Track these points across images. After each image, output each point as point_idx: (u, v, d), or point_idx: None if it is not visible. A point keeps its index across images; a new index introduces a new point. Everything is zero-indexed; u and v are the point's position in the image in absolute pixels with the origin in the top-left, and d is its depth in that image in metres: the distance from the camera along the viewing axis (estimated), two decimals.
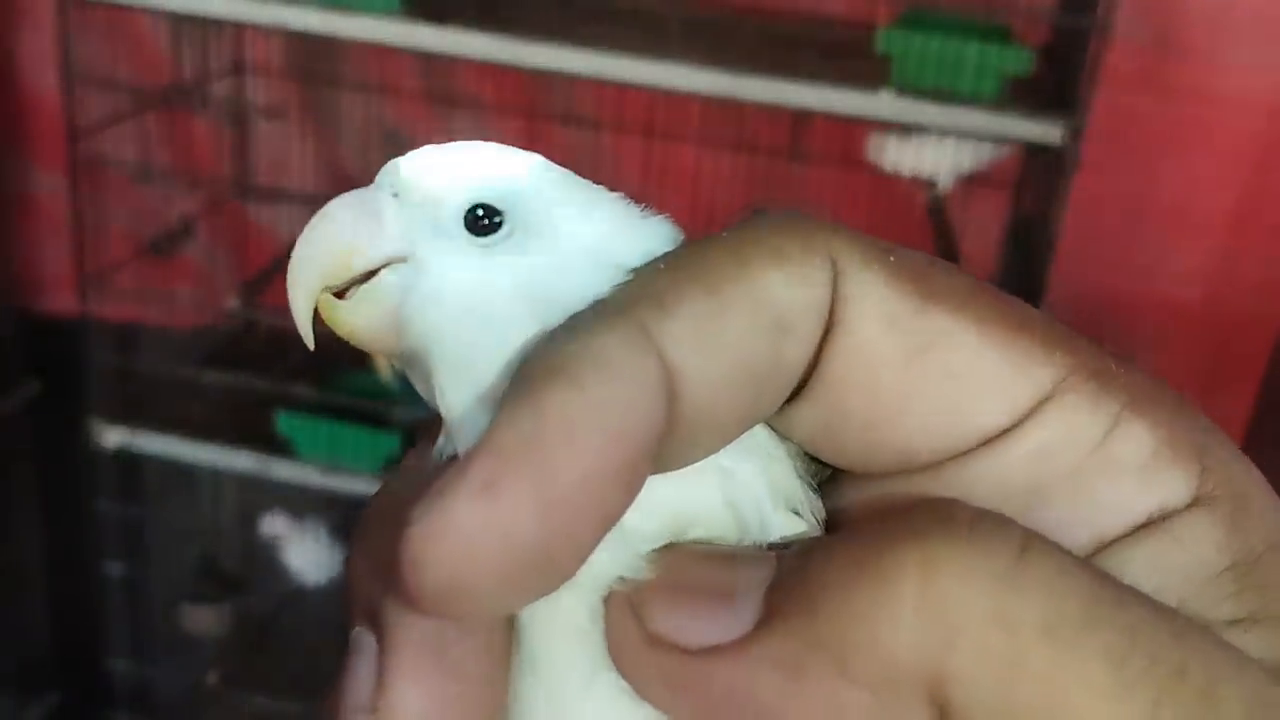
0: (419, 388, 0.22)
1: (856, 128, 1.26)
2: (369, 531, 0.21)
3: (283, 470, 1.36)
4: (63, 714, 1.60)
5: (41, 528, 1.57)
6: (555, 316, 0.20)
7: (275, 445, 1.35)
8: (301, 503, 1.49)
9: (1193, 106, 1.27)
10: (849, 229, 0.20)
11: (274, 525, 1.52)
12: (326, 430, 1.33)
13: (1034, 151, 1.25)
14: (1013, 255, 1.33)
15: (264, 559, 1.54)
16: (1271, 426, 1.30)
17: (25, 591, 1.57)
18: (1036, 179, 1.27)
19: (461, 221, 0.21)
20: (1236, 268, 1.32)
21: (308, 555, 1.51)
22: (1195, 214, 1.31)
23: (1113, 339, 1.35)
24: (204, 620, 1.53)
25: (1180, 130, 1.28)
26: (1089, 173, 1.18)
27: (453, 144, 0.22)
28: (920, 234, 1.31)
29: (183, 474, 1.46)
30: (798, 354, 0.20)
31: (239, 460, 1.37)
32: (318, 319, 0.22)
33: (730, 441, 0.20)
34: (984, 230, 1.32)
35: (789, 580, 0.19)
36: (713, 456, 0.20)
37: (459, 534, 0.17)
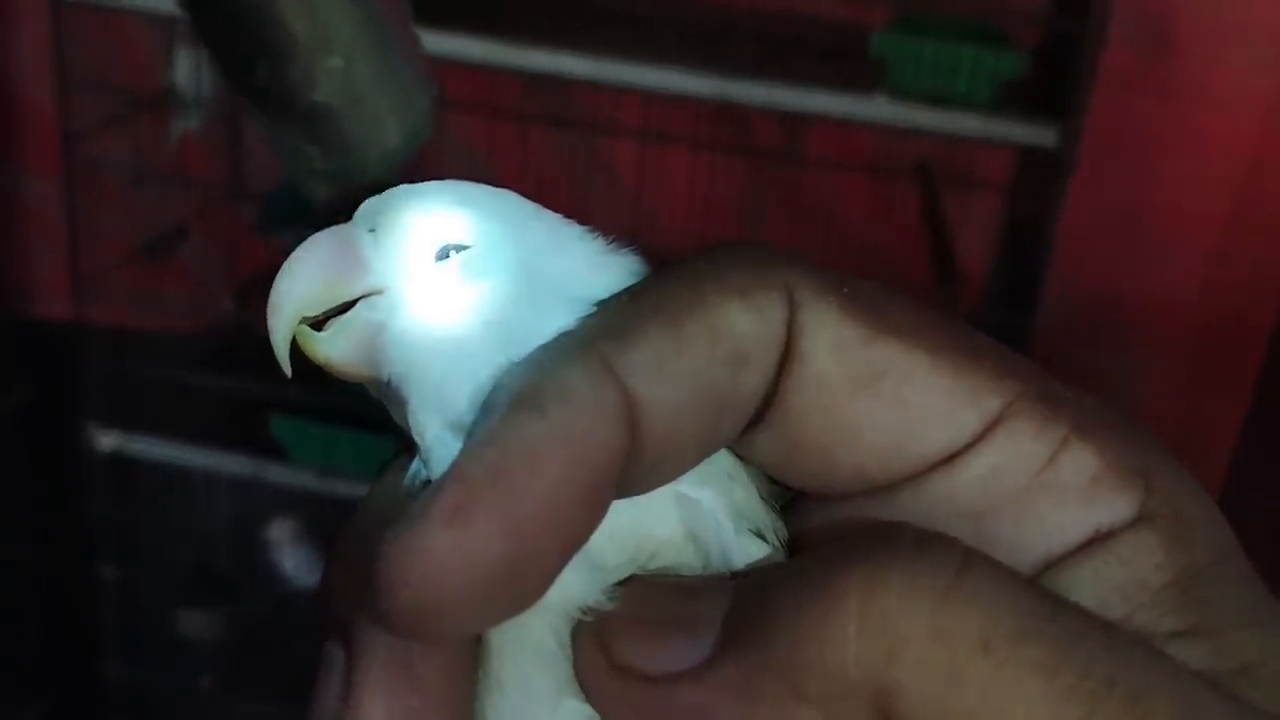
0: (394, 415, 0.23)
1: (852, 131, 1.26)
2: (345, 548, 0.22)
3: (277, 474, 1.37)
4: (56, 719, 1.59)
5: (35, 532, 1.56)
6: (523, 349, 0.20)
7: (270, 449, 1.35)
8: (296, 507, 1.49)
9: (1188, 108, 1.27)
10: (804, 261, 0.21)
11: (268, 529, 1.51)
12: (321, 434, 1.33)
13: (1029, 154, 1.25)
14: (1008, 258, 1.33)
15: (258, 563, 1.54)
16: (1266, 426, 1.31)
17: (19, 596, 1.57)
18: (1032, 182, 1.27)
19: (435, 257, 0.22)
20: (1231, 269, 1.32)
21: (302, 559, 1.51)
22: (1190, 216, 1.31)
23: (1108, 340, 1.35)
24: (198, 624, 1.53)
25: (1175, 132, 1.28)
26: (1084, 175, 1.18)
27: (427, 183, 0.23)
28: (916, 237, 1.31)
29: (177, 478, 1.46)
30: (755, 384, 0.21)
31: (233, 464, 1.37)
32: (296, 348, 0.23)
33: (691, 467, 0.21)
34: (980, 233, 1.32)
35: (745, 606, 0.19)
36: (676, 485, 0.21)
37: (429, 559, 0.18)
